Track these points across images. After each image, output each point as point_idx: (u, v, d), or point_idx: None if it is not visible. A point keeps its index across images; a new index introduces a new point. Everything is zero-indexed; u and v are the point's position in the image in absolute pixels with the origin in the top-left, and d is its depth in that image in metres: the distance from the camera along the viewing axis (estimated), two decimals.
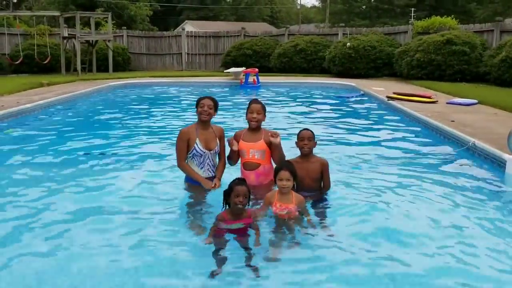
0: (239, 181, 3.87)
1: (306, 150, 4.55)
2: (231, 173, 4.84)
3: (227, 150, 4.87)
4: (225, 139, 4.84)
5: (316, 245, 3.73)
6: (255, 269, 3.30)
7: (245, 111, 4.85)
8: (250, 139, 4.70)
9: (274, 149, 4.62)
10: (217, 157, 4.91)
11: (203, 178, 4.73)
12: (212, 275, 3.25)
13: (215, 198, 4.40)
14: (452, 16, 20.39)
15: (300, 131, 4.67)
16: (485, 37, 17.52)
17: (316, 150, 4.74)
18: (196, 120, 4.85)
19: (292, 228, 3.92)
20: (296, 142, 4.64)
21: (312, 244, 3.74)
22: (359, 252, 3.64)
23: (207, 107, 4.72)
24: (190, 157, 4.75)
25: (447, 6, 44.72)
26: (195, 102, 4.86)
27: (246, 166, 4.74)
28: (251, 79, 16.76)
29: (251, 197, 3.98)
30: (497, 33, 17.03)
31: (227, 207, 3.87)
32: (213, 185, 4.68)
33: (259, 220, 3.96)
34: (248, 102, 4.90)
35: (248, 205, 3.94)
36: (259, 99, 4.89)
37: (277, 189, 4.14)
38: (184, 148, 4.71)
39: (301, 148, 4.57)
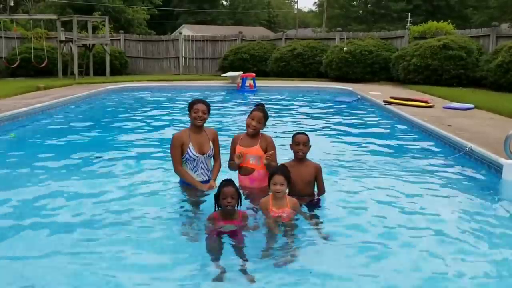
0: (227, 182, 3.92)
1: (301, 155, 4.53)
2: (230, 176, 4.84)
3: (226, 155, 4.87)
4: (231, 152, 4.79)
5: (311, 247, 3.74)
6: (250, 278, 3.28)
7: (248, 114, 4.82)
8: (246, 144, 4.70)
9: (268, 147, 4.66)
10: (212, 160, 4.91)
11: (199, 182, 4.73)
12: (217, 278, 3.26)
13: (209, 201, 4.41)
14: (449, 21, 20.48)
15: (296, 134, 4.62)
16: (481, 42, 17.60)
17: (311, 154, 4.73)
18: (188, 126, 4.84)
19: (288, 231, 3.90)
20: (290, 145, 4.61)
21: (307, 247, 3.74)
22: (354, 256, 3.65)
23: (201, 112, 4.70)
24: (183, 161, 4.75)
25: (443, 11, 44.90)
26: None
27: (241, 171, 4.75)
28: (247, 83, 16.78)
29: (245, 199, 3.99)
30: (493, 38, 17.12)
31: (219, 209, 3.94)
32: (208, 187, 4.68)
33: (258, 227, 3.96)
34: (245, 106, 4.90)
35: (240, 205, 3.96)
36: (264, 108, 4.83)
37: (270, 194, 4.10)
38: (178, 153, 4.71)
39: (296, 152, 4.54)
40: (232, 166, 4.82)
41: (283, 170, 4.13)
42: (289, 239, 3.81)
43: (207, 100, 4.89)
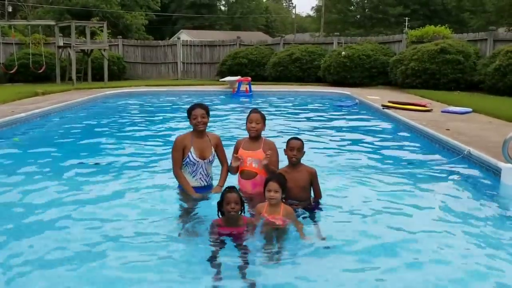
0: (229, 189, 3.92)
1: (294, 160, 4.51)
2: (229, 182, 4.83)
3: (228, 159, 4.87)
4: (233, 154, 4.80)
5: (304, 253, 3.74)
6: (251, 282, 3.29)
7: (245, 120, 4.83)
8: (249, 148, 4.71)
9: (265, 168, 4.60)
10: (214, 165, 4.92)
11: (192, 189, 4.72)
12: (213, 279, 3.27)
13: (207, 206, 4.43)
14: (446, 25, 20.54)
15: (290, 140, 4.60)
16: (479, 46, 17.64)
17: (310, 158, 4.71)
18: (192, 128, 4.85)
19: (280, 237, 3.91)
20: (284, 150, 4.59)
21: (300, 253, 3.74)
22: (349, 260, 3.65)
23: (200, 117, 4.70)
24: (183, 165, 4.75)
25: (440, 15, 45.10)
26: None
27: (243, 175, 4.74)
28: (243, 87, 16.77)
29: (247, 206, 4.00)
30: (490, 42, 17.16)
31: (222, 216, 3.93)
32: (200, 195, 4.69)
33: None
34: (241, 111, 4.91)
35: (244, 212, 3.95)
36: (258, 109, 4.87)
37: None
38: (179, 156, 4.71)
39: (290, 158, 4.53)
40: (231, 169, 4.82)
41: (278, 177, 4.14)
42: (280, 245, 3.81)
43: (206, 104, 4.90)
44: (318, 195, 4.64)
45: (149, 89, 18.01)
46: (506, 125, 9.15)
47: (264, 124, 4.77)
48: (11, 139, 8.64)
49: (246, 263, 3.50)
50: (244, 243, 3.79)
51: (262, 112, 4.87)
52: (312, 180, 4.57)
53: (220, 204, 3.89)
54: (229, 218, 3.86)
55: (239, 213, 3.89)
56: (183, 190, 4.81)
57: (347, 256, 3.73)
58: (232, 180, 4.86)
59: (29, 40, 21.25)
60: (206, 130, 4.89)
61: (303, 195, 4.55)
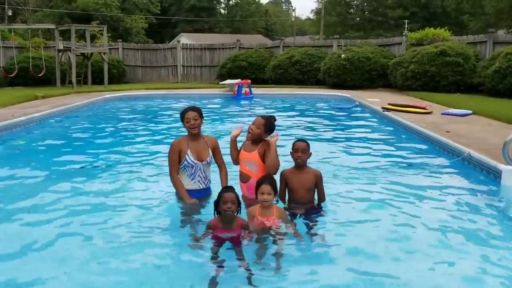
0: (226, 188, 3.93)
1: (300, 162, 4.52)
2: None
3: (227, 159, 4.87)
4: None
5: (303, 255, 3.73)
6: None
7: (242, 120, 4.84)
8: (247, 149, 4.71)
9: (267, 150, 4.54)
10: (211, 168, 4.91)
11: (186, 194, 4.68)
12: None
13: (205, 209, 4.44)
14: (445, 27, 20.57)
15: (295, 141, 4.62)
16: (478, 48, 17.66)
17: (310, 160, 4.72)
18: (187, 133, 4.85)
19: (276, 239, 3.89)
20: (290, 152, 4.61)
21: (298, 254, 3.73)
22: (350, 262, 3.65)
23: (193, 120, 4.70)
24: (181, 168, 4.75)
25: (440, 18, 45.15)
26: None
27: (240, 176, 4.76)
28: (243, 90, 16.79)
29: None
30: (490, 44, 17.18)
31: (218, 215, 3.92)
32: (194, 200, 4.66)
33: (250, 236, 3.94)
34: (241, 113, 4.90)
35: (239, 213, 3.94)
36: (270, 117, 4.76)
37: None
38: (176, 160, 4.71)
39: (295, 160, 4.54)
40: (232, 156, 4.82)
41: (270, 179, 4.13)
42: (277, 247, 3.79)
43: (198, 106, 4.92)
44: (322, 198, 4.64)
45: (149, 93, 18.03)
46: (506, 127, 9.15)
47: (265, 132, 4.64)
48: (10, 142, 8.64)
49: (249, 269, 3.46)
50: (242, 246, 3.77)
51: (256, 114, 4.84)
52: (317, 182, 4.58)
53: (216, 204, 3.88)
54: (225, 218, 3.85)
55: (235, 213, 3.88)
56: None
57: (348, 258, 3.72)
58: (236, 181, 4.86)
59: (29, 43, 21.27)
60: (203, 134, 4.90)
61: (307, 197, 4.56)
